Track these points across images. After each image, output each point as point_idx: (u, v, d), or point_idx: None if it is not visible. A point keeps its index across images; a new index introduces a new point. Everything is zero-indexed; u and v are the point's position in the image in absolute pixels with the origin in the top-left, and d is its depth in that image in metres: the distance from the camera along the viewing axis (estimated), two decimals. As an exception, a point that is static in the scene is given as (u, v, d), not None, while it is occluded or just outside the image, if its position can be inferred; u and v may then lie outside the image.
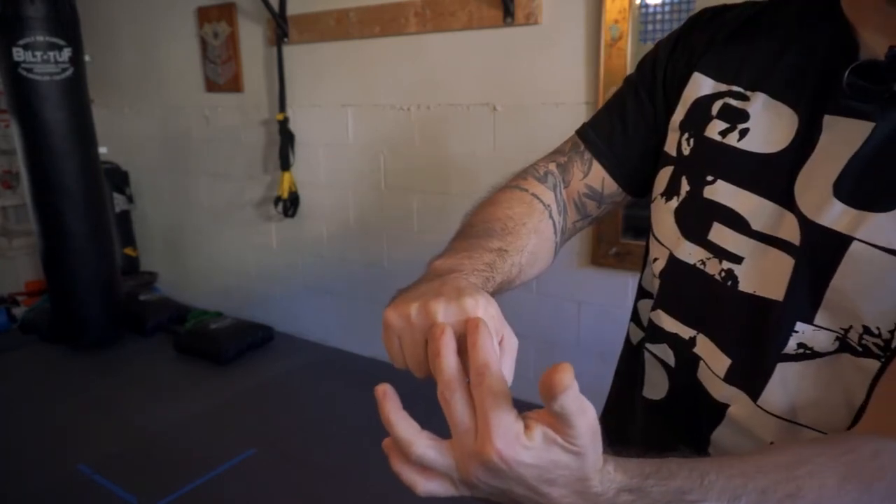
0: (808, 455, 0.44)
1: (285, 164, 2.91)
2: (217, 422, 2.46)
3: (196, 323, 3.24)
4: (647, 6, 2.04)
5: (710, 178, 0.59)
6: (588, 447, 0.36)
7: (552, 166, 0.71)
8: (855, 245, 0.48)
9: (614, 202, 0.72)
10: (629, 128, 0.69)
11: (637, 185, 0.71)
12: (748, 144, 0.57)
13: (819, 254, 0.50)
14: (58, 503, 2.00)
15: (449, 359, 0.40)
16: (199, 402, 2.60)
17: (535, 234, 0.63)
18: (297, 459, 2.20)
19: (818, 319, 0.51)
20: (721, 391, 0.59)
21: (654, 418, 0.68)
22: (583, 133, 0.72)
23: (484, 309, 0.43)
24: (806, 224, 0.51)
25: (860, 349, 0.49)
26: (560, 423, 0.35)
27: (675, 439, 0.64)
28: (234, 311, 3.40)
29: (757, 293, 0.55)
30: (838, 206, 0.50)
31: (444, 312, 0.42)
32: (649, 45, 2.03)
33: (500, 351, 0.42)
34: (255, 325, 3.17)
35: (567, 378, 0.33)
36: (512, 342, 0.44)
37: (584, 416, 0.35)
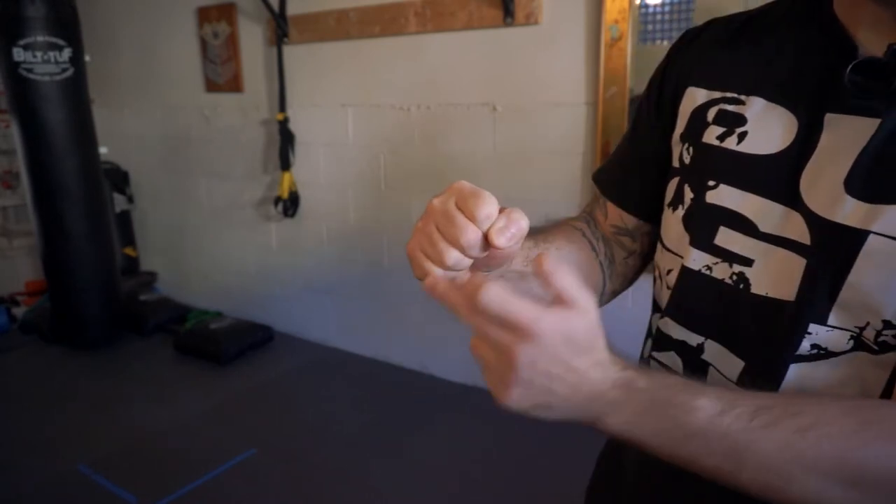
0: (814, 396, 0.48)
1: (285, 164, 2.91)
2: (217, 422, 2.46)
3: (196, 323, 3.24)
4: (647, 6, 2.04)
5: (711, 182, 0.59)
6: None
7: (584, 214, 0.77)
8: (871, 238, 0.48)
9: (645, 233, 0.73)
10: (632, 160, 0.72)
11: (653, 213, 0.70)
12: (747, 147, 0.57)
13: (833, 251, 0.50)
14: (58, 503, 2.00)
15: None
16: (199, 402, 2.60)
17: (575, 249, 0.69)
18: (297, 459, 2.19)
19: (832, 319, 0.51)
20: None
21: None
22: (595, 178, 0.78)
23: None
24: (817, 222, 0.51)
25: (876, 347, 0.49)
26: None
27: None
28: (234, 311, 3.39)
29: (769, 295, 0.55)
30: (851, 202, 0.49)
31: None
32: (649, 46, 2.04)
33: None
34: (255, 325, 3.17)
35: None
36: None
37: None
